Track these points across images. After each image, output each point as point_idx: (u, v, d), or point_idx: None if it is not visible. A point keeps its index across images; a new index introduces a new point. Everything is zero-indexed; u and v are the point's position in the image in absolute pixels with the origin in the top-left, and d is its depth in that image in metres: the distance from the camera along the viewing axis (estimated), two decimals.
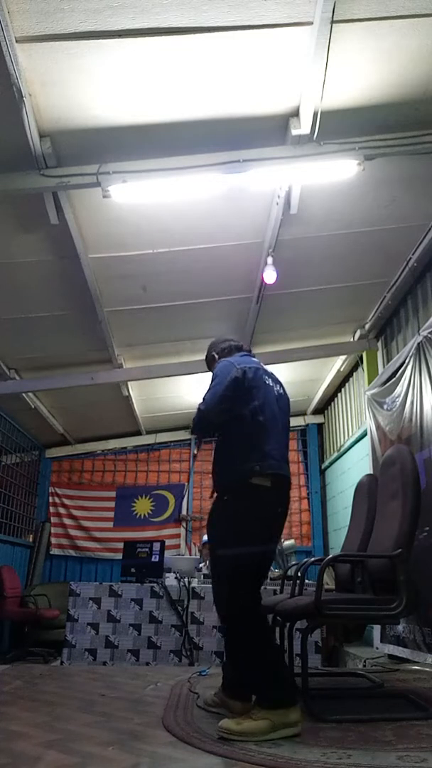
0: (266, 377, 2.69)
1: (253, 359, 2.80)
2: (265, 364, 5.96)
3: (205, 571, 5.31)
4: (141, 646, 4.62)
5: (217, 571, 2.51)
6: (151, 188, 3.45)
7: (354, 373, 6.74)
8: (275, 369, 6.53)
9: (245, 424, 2.50)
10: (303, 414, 8.34)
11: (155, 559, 5.21)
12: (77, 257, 4.11)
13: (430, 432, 3.93)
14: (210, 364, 2.94)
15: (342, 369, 6.71)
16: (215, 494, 2.57)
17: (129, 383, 6.49)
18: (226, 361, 2.67)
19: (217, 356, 2.90)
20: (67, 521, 8.21)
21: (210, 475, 2.64)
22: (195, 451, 8.34)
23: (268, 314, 5.18)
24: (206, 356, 3.01)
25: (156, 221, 3.93)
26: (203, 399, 2.56)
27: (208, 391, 2.57)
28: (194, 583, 4.83)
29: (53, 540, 8.10)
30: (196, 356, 5.65)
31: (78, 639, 4.64)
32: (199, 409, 2.55)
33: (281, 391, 2.76)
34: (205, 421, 2.55)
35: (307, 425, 8.43)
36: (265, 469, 2.42)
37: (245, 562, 2.37)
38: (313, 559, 4.05)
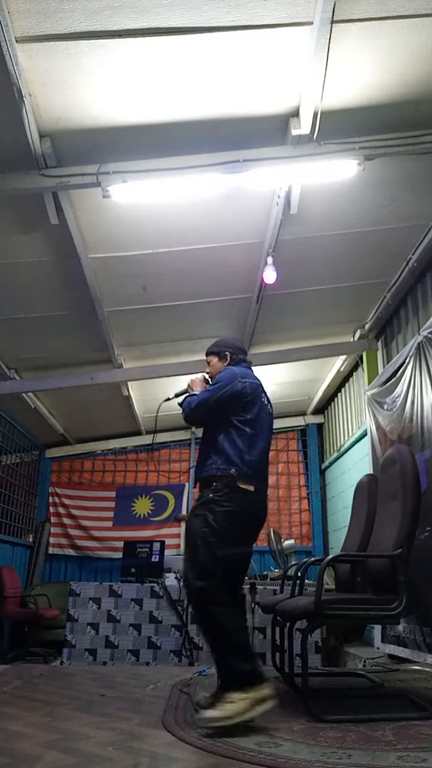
0: (263, 395, 2.85)
1: (255, 375, 2.94)
2: (265, 365, 5.95)
3: None
4: (141, 646, 4.62)
5: (190, 556, 2.57)
6: (151, 188, 3.45)
7: (354, 373, 6.74)
8: (275, 369, 6.53)
9: (236, 433, 2.67)
10: (303, 414, 8.33)
11: (155, 559, 5.22)
12: (77, 257, 4.10)
13: (430, 432, 3.93)
14: (217, 355, 2.99)
15: (342, 369, 6.71)
16: (200, 490, 2.72)
17: (129, 383, 6.49)
18: (232, 371, 2.81)
19: (228, 357, 2.96)
20: (67, 521, 8.21)
21: None
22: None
23: (268, 314, 5.17)
24: (217, 348, 3.02)
25: (156, 221, 3.93)
26: (198, 397, 2.78)
27: (208, 390, 2.78)
28: None
29: (52, 540, 8.10)
30: (196, 356, 5.65)
31: (78, 639, 4.65)
32: (190, 404, 2.78)
33: (271, 410, 2.91)
34: (194, 417, 2.81)
35: (307, 425, 8.42)
36: (243, 476, 2.58)
37: (223, 558, 2.49)
38: (313, 559, 4.05)
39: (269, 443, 2.82)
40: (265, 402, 2.84)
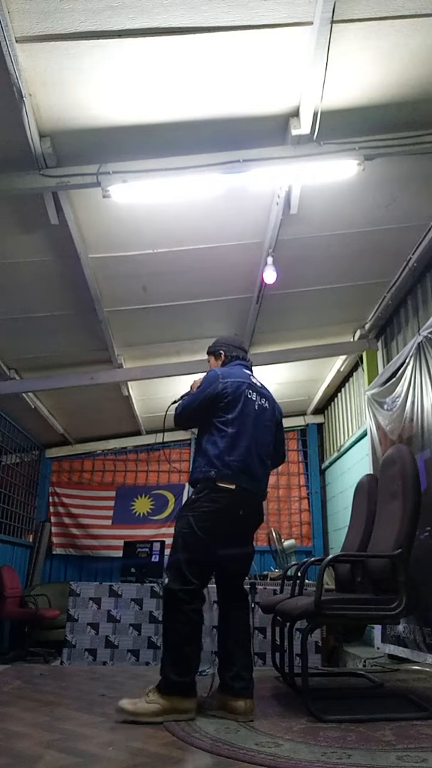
0: (250, 392, 2.83)
1: (245, 371, 2.96)
2: (265, 365, 5.93)
3: None
4: (141, 646, 4.62)
5: (171, 557, 2.65)
6: (151, 188, 3.44)
7: (354, 373, 6.74)
8: (275, 369, 6.51)
9: (218, 434, 2.71)
10: (303, 414, 8.33)
11: (155, 559, 5.21)
12: (77, 257, 4.10)
13: (430, 432, 3.93)
14: (213, 354, 3.12)
15: (342, 369, 6.71)
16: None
17: (129, 383, 6.48)
18: (214, 373, 2.87)
19: (223, 355, 3.06)
20: (67, 520, 8.21)
21: None
22: None
23: (268, 314, 5.17)
24: (213, 347, 3.14)
25: (156, 221, 3.93)
26: (182, 401, 2.87)
27: (191, 395, 2.85)
28: None
29: (54, 540, 8.09)
30: (196, 356, 5.66)
31: (78, 639, 4.64)
32: (177, 409, 2.87)
33: (266, 405, 2.89)
34: (179, 422, 2.88)
35: (307, 425, 8.41)
36: (222, 477, 2.61)
37: (198, 558, 2.55)
38: (313, 559, 4.05)
39: (261, 439, 2.79)
40: (253, 398, 2.82)
